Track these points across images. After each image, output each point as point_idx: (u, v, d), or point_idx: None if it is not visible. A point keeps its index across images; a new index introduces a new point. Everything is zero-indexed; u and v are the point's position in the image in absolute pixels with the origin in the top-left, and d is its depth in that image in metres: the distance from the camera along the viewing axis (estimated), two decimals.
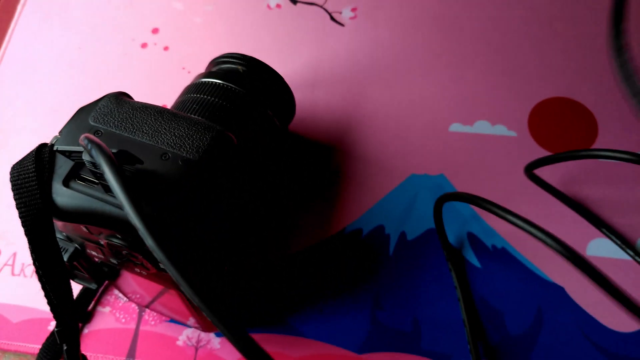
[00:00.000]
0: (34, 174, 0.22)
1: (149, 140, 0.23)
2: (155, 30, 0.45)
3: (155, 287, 0.28)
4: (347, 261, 0.35)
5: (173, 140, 0.23)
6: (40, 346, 0.33)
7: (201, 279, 0.23)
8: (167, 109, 0.25)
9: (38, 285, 0.36)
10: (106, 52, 0.44)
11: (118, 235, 0.23)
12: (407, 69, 0.42)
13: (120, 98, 0.25)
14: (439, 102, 0.40)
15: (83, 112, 0.25)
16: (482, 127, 0.39)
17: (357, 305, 0.34)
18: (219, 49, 0.43)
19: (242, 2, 0.46)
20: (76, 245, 0.26)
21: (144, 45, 0.44)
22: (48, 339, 0.33)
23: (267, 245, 0.36)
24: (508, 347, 0.32)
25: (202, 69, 0.42)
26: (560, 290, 0.33)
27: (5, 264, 0.37)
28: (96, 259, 0.27)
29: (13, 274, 0.37)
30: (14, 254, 0.37)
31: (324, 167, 0.38)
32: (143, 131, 0.24)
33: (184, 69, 0.43)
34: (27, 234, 0.22)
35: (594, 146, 0.37)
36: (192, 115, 0.25)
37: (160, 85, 0.42)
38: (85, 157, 0.20)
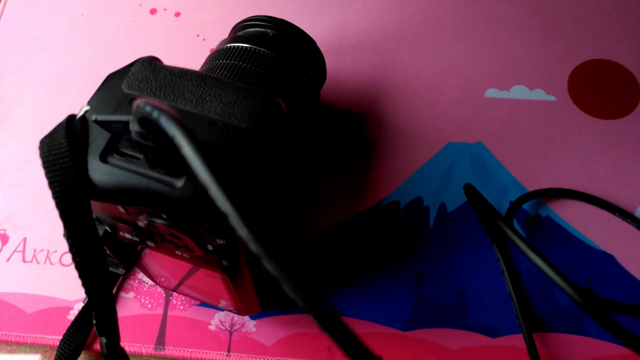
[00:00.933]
0: (67, 149, 0.20)
1: (194, 109, 0.21)
2: None
3: (186, 268, 0.26)
4: (385, 235, 0.33)
5: (221, 108, 0.21)
6: (59, 337, 0.31)
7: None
8: (209, 74, 0.22)
9: (53, 271, 0.34)
10: (112, 18, 0.41)
11: (163, 215, 0.21)
12: (437, 33, 0.39)
13: (154, 63, 0.23)
14: (472, 67, 0.38)
15: (114, 79, 0.22)
16: (520, 92, 0.37)
17: (398, 281, 0.32)
18: (235, 14, 0.40)
19: None
20: (106, 228, 0.24)
21: (153, 11, 0.41)
22: (69, 329, 0.31)
23: (302, 221, 0.34)
24: (558, 318, 0.31)
25: (218, 35, 0.39)
26: (610, 259, 0.32)
27: (15, 251, 0.34)
28: (127, 241, 0.25)
29: (24, 261, 0.34)
30: (24, 240, 0.35)
31: (356, 138, 0.36)
32: (186, 99, 0.21)
33: (198, 36, 0.40)
34: (62, 216, 0.20)
35: (636, 111, 0.36)
36: (235, 82, 0.23)
37: (174, 55, 0.39)
38: (134, 127, 0.17)
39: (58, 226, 0.20)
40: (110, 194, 0.20)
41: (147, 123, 0.17)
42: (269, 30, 0.31)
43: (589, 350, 0.30)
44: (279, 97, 0.28)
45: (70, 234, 0.20)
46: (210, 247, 0.22)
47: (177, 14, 0.41)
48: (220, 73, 0.28)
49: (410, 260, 0.33)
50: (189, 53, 0.39)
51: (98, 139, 0.20)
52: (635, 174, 0.34)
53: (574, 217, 0.33)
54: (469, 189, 0.32)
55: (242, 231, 0.15)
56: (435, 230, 0.33)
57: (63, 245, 0.34)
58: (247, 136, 0.20)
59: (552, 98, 0.36)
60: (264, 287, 0.27)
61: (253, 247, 0.14)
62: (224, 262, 0.23)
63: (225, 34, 0.37)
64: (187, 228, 0.21)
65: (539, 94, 0.36)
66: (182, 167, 0.19)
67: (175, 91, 0.21)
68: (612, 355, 0.30)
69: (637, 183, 0.34)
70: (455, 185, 0.34)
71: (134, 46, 0.40)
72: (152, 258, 0.27)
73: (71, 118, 0.21)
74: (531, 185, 0.34)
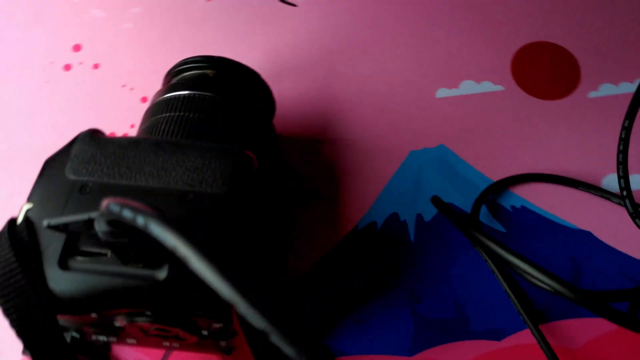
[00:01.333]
0: (16, 265, 0.16)
1: (158, 183, 0.18)
2: (77, 47, 0.37)
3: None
4: (369, 261, 0.32)
5: (188, 176, 0.18)
6: None
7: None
8: (164, 138, 0.20)
9: None
10: (22, 83, 0.36)
11: (147, 313, 0.18)
12: (375, 42, 0.38)
13: (96, 137, 0.20)
14: (418, 70, 0.37)
15: (54, 165, 0.19)
16: (469, 87, 0.36)
17: (393, 304, 0.31)
18: (159, 57, 0.37)
19: (168, 4, 0.40)
20: (73, 334, 0.21)
21: (67, 67, 0.37)
22: None
23: (282, 268, 0.31)
24: (555, 304, 0.31)
25: (147, 83, 0.36)
26: (588, 235, 0.32)
27: None
28: (100, 344, 0.22)
29: None
30: None
31: (317, 165, 0.34)
32: (146, 173, 0.18)
33: (124, 86, 0.36)
34: (25, 343, 0.17)
35: (580, 86, 0.37)
36: (195, 141, 0.20)
37: (103, 111, 0.35)
38: (102, 226, 0.14)
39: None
40: (80, 304, 0.17)
41: (119, 221, 0.14)
42: (207, 71, 0.28)
43: (589, 331, 0.30)
44: (241, 143, 0.26)
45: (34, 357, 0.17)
46: (205, 333, 0.19)
47: (96, 66, 0.37)
48: (168, 128, 0.25)
49: (400, 280, 0.31)
50: (118, 106, 0.35)
51: (51, 242, 0.17)
52: (589, 147, 0.35)
53: (547, 201, 0.33)
54: (436, 201, 0.31)
55: (259, 323, 0.13)
56: (418, 243, 0.32)
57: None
58: (225, 202, 0.18)
59: (500, 88, 0.36)
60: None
61: (278, 342, 0.12)
62: (222, 344, 0.20)
63: (154, 79, 0.34)
64: (178, 320, 0.18)
65: (487, 86, 0.36)
66: (161, 255, 0.17)
67: (131, 166, 0.19)
68: (610, 331, 0.30)
69: (593, 156, 0.34)
70: (427, 193, 0.33)
71: (52, 111, 0.35)
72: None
73: (12, 223, 0.17)
74: (499, 177, 0.34)
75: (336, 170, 0.34)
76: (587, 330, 0.30)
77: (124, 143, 0.19)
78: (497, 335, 0.30)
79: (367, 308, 0.31)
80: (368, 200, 0.33)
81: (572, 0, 0.39)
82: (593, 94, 0.36)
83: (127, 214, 0.13)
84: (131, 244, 0.15)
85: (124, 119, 0.35)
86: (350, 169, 0.34)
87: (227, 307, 0.18)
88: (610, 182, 0.34)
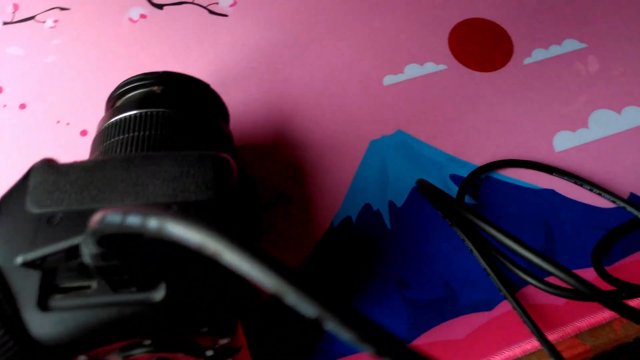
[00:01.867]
0: None
1: (137, 200, 0.16)
2: None
3: None
4: (351, 256, 0.31)
5: (168, 187, 0.17)
6: None
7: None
8: (132, 153, 0.18)
9: None
10: None
11: (145, 342, 0.16)
12: (314, 39, 0.38)
13: (54, 165, 0.18)
14: (361, 61, 0.37)
15: (10, 203, 0.17)
16: (413, 70, 0.37)
17: (383, 294, 0.30)
18: (92, 86, 0.35)
19: (97, 24, 0.37)
20: None
21: None
22: None
23: None
24: (533, 266, 0.31)
25: (84, 115, 0.34)
26: (552, 193, 0.34)
27: None
28: None
29: None
30: None
31: (280, 170, 0.33)
32: (121, 191, 0.17)
33: (59, 122, 0.33)
34: None
35: (515, 55, 0.38)
36: (166, 152, 0.19)
37: (40, 152, 0.32)
38: (91, 249, 0.13)
39: None
40: (69, 347, 0.15)
41: (110, 239, 0.13)
42: (153, 88, 0.27)
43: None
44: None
45: None
46: (210, 353, 0.18)
47: (22, 106, 0.34)
48: (124, 150, 0.23)
49: (385, 269, 0.31)
50: (57, 144, 0.33)
51: (25, 283, 0.15)
52: (535, 109, 0.36)
53: (508, 169, 0.34)
54: (421, 185, 0.31)
55: (311, 310, 0.12)
56: (395, 229, 0.32)
57: None
58: (214, 207, 0.17)
59: (443, 67, 0.37)
60: None
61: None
62: None
63: (90, 110, 0.32)
64: (179, 344, 0.17)
65: (431, 67, 0.37)
66: (156, 272, 0.15)
67: (103, 188, 0.17)
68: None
69: (540, 115, 0.36)
70: (395, 179, 0.33)
71: None
72: None
73: None
74: (459, 152, 0.34)
75: (301, 173, 0.33)
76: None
77: (89, 165, 0.18)
78: (486, 305, 0.30)
79: (357, 303, 0.30)
80: (339, 197, 0.33)
81: None
82: (527, 60, 0.38)
83: (134, 220, 0.11)
84: (124, 265, 0.14)
85: (65, 157, 0.32)
86: (315, 169, 0.33)
87: (233, 318, 0.16)
88: (562, 139, 0.35)
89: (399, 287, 0.30)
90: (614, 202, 0.32)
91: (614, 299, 0.18)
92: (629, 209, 0.31)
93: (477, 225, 0.22)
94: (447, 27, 0.39)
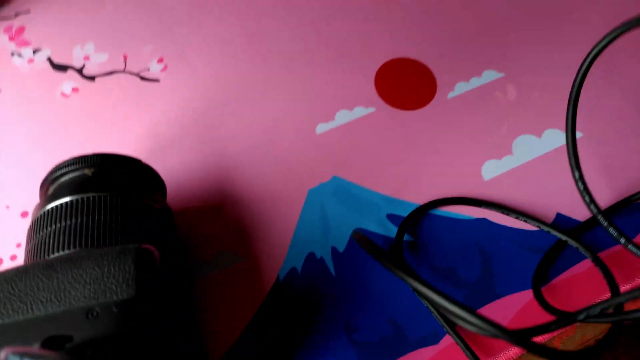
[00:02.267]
0: None
1: (59, 307, 0.17)
2: None
3: None
4: (298, 307, 0.32)
5: (90, 289, 0.18)
6: None
7: None
8: (55, 257, 0.19)
9: None
10: None
11: None
12: (245, 94, 0.39)
13: None
14: (293, 112, 0.39)
15: None
16: (344, 116, 0.39)
17: (332, 340, 0.31)
18: (28, 166, 0.35)
19: (29, 103, 0.38)
20: None
21: None
22: None
23: (203, 352, 0.31)
24: (474, 294, 0.33)
25: (22, 196, 0.34)
26: (484, 222, 0.35)
27: None
28: None
29: None
30: None
31: (223, 230, 0.34)
32: (43, 300, 0.17)
33: None
34: None
35: (439, 90, 0.40)
36: (89, 251, 0.20)
37: None
38: None
39: None
40: None
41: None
42: (85, 171, 0.28)
43: (506, 310, 0.33)
44: (138, 236, 0.25)
45: None
46: None
47: None
48: (57, 243, 0.24)
49: (332, 315, 0.32)
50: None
51: None
52: (465, 140, 0.38)
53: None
54: (356, 237, 0.32)
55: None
56: (339, 275, 0.33)
57: None
58: (135, 305, 0.18)
59: (372, 109, 0.39)
60: None
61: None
62: None
63: (29, 190, 0.32)
64: None
65: (360, 111, 0.39)
66: None
67: (25, 298, 0.17)
68: (524, 305, 0.33)
69: (471, 147, 0.38)
70: (335, 224, 0.35)
71: None
72: None
73: None
74: (394, 192, 0.36)
75: (245, 229, 0.34)
76: (504, 310, 0.33)
77: (10, 275, 0.18)
78: (433, 339, 0.31)
79: (306, 352, 0.31)
80: (283, 249, 0.34)
81: (411, 18, 0.43)
82: (451, 94, 0.40)
83: None
84: None
85: (6, 241, 0.32)
86: (258, 224, 0.34)
87: None
88: (489, 167, 0.37)
89: (347, 332, 0.31)
90: (538, 227, 0.34)
91: (520, 339, 0.19)
92: (553, 232, 0.33)
93: (400, 277, 0.23)
94: (373, 69, 0.41)
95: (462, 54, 0.42)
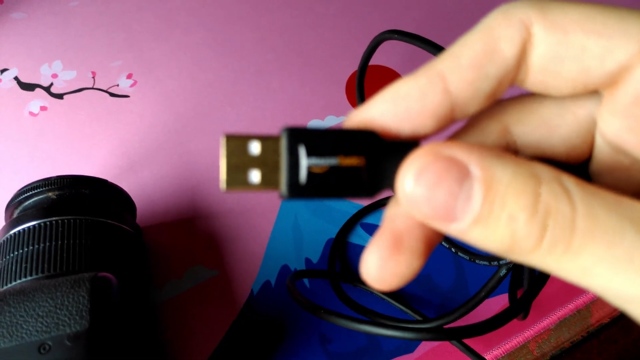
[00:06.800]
0: None
1: (11, 342, 0.17)
2: None
3: None
4: (272, 320, 0.32)
5: (42, 323, 0.18)
6: None
7: None
8: (7, 290, 0.19)
9: None
10: None
11: None
12: (215, 107, 0.39)
13: None
14: (264, 123, 0.39)
15: None
16: (316, 125, 0.39)
17: (307, 352, 0.31)
18: None
19: None
20: None
21: None
22: None
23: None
24: (449, 300, 0.33)
25: None
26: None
27: None
28: None
29: None
30: None
31: (196, 243, 0.34)
32: None
33: None
34: None
35: None
36: (43, 281, 0.19)
37: None
38: None
39: None
40: None
41: None
42: (49, 194, 0.27)
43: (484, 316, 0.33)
44: (103, 259, 0.25)
45: None
46: None
47: None
48: (20, 270, 0.24)
49: (307, 327, 0.32)
50: None
51: None
52: None
53: None
54: (287, 289, 0.30)
55: None
56: (313, 286, 0.33)
57: None
58: (90, 337, 0.18)
59: (343, 118, 0.39)
60: None
61: None
62: None
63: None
64: None
65: (332, 120, 0.39)
66: None
67: None
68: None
69: None
70: (308, 235, 0.35)
71: None
72: None
73: None
74: (367, 200, 0.36)
75: (218, 244, 0.34)
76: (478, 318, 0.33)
77: None
78: (409, 347, 0.32)
79: None
80: (256, 262, 0.34)
81: (381, 27, 0.44)
82: None
83: None
84: None
85: None
86: (231, 238, 0.34)
87: None
88: None
89: (322, 343, 0.31)
90: None
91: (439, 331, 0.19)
92: None
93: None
94: (343, 78, 0.41)
95: (425, 60, 0.42)
